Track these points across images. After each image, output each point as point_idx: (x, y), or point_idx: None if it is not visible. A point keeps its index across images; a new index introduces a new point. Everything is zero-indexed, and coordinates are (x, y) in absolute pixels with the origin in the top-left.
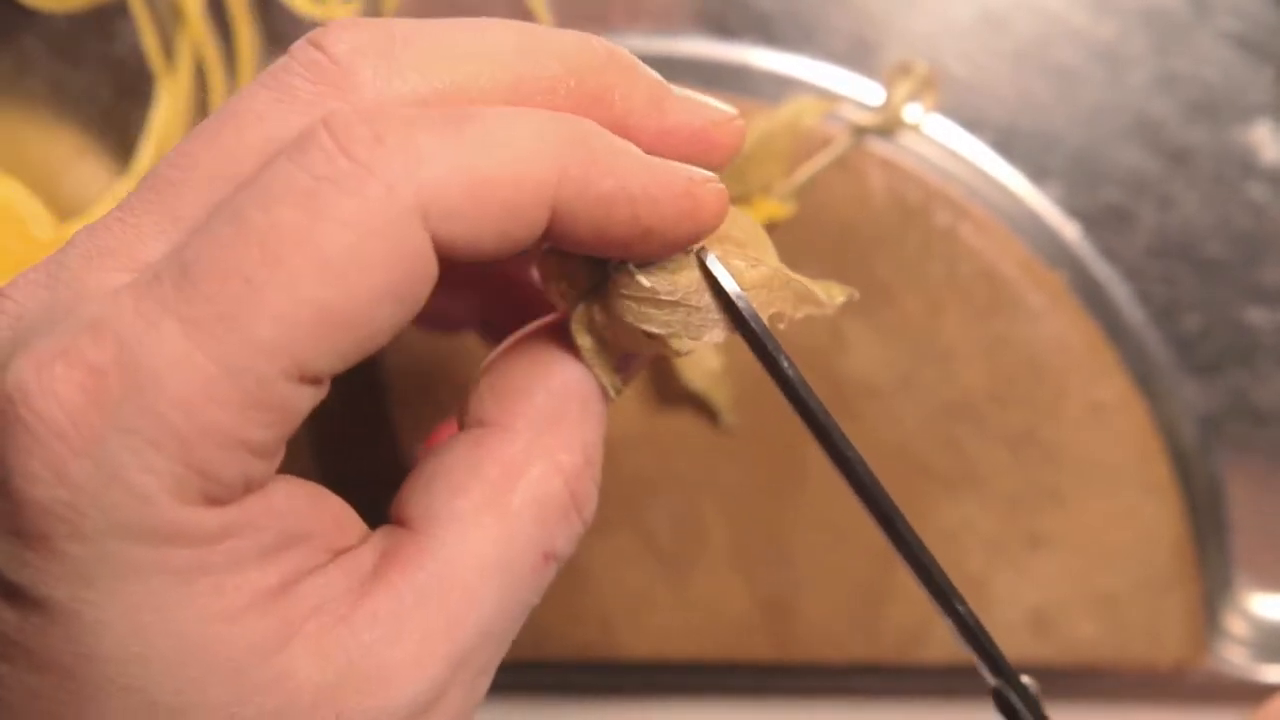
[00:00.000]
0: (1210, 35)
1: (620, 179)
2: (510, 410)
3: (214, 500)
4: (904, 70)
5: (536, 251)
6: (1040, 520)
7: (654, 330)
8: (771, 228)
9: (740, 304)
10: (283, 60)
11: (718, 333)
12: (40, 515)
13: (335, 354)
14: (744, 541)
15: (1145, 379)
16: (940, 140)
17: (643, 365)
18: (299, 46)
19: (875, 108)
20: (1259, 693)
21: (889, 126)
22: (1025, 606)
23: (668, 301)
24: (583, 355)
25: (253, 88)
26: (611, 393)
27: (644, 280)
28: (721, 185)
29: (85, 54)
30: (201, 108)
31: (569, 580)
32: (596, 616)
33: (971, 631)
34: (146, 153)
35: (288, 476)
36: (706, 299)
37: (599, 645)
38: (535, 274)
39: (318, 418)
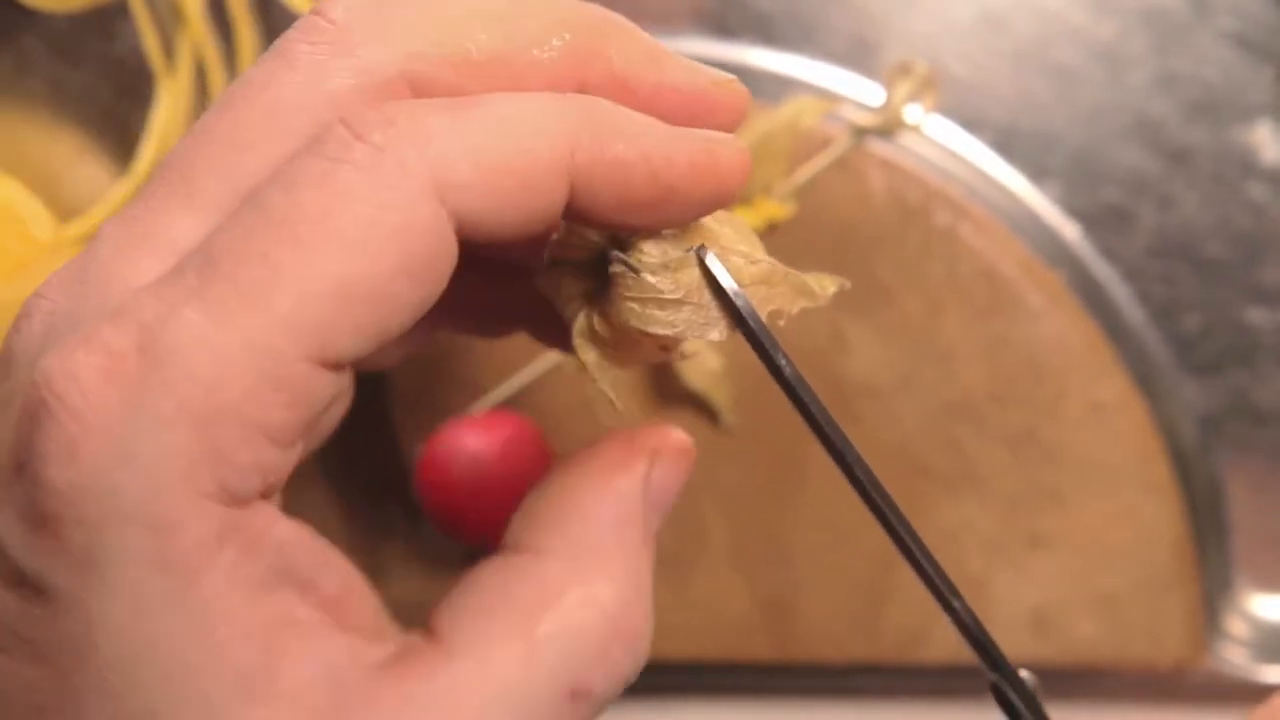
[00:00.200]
0: (1210, 35)
1: (633, 142)
2: (545, 536)
3: (226, 490)
4: (904, 70)
5: (542, 268)
6: (1040, 520)
7: (659, 331)
8: (771, 228)
9: (739, 301)
10: (287, 31)
11: (719, 330)
12: (51, 497)
13: (355, 332)
14: (744, 541)
15: (1145, 379)
16: (940, 140)
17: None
18: (302, 16)
19: (875, 108)
20: (1259, 693)
21: (889, 127)
22: (1025, 606)
23: (672, 300)
24: (588, 369)
25: (261, 59)
26: (617, 406)
27: (649, 278)
28: (741, 143)
29: (85, 54)
30: (202, 108)
31: None
32: None
33: (969, 627)
34: (147, 153)
35: (299, 522)
36: (703, 298)
37: None
38: (541, 287)
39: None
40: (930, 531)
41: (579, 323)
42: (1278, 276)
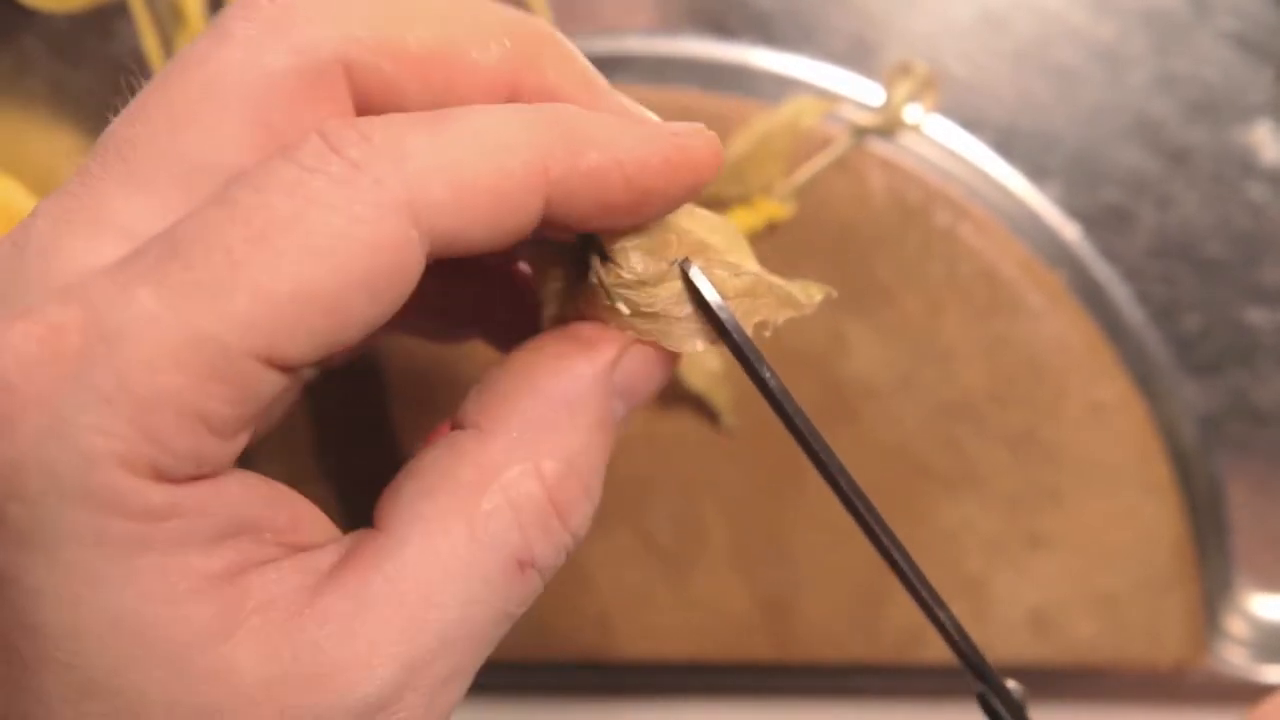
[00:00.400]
0: (1210, 35)
1: (604, 149)
2: (493, 414)
3: (162, 475)
4: (904, 70)
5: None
6: (1040, 520)
7: (639, 338)
8: (771, 228)
9: (722, 314)
10: (226, 7)
11: (697, 343)
12: None
13: (306, 339)
14: (744, 541)
15: (1145, 379)
16: (940, 140)
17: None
18: None
19: (875, 108)
20: (1259, 693)
21: (889, 127)
22: (1025, 606)
23: (647, 313)
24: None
25: (198, 38)
26: None
27: (629, 293)
28: (710, 133)
29: (85, 54)
30: None
31: (569, 580)
32: (596, 616)
33: (954, 638)
34: None
35: (246, 471)
36: (686, 309)
37: (599, 645)
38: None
39: (318, 418)
40: (930, 531)
41: (550, 311)
42: (1277, 276)
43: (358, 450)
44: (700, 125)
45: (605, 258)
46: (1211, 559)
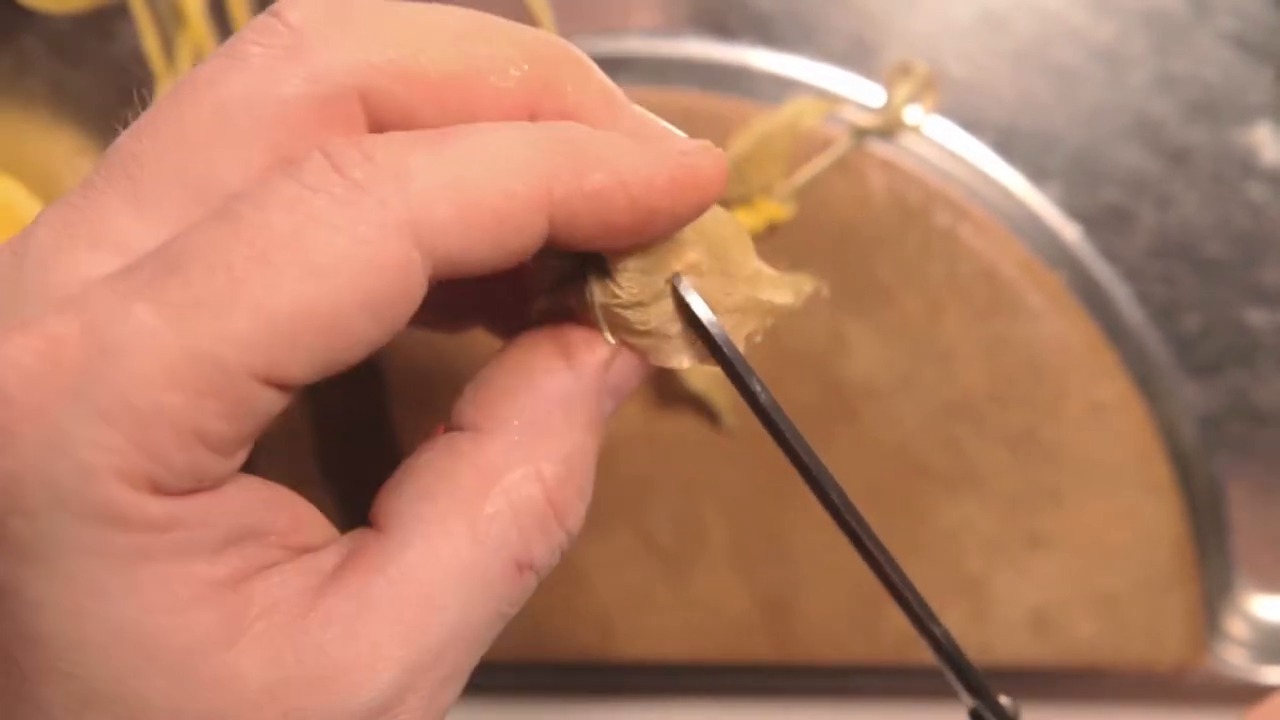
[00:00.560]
0: (1210, 36)
1: (610, 169)
2: (491, 415)
3: (161, 489)
4: (904, 71)
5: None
6: (1040, 520)
7: (629, 347)
8: (772, 229)
9: (714, 330)
10: (241, 29)
11: (684, 359)
12: None
13: (306, 359)
14: (744, 541)
15: (1145, 379)
16: (940, 141)
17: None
18: (257, 16)
19: (875, 109)
20: (1259, 695)
21: (889, 128)
22: (1025, 606)
23: (640, 331)
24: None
25: (211, 57)
26: None
27: (623, 312)
28: (717, 150)
29: (85, 55)
30: None
31: (569, 580)
32: (596, 616)
33: (947, 652)
34: None
35: (247, 475)
36: (677, 328)
37: (599, 646)
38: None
39: (319, 419)
40: (930, 531)
41: (541, 304)
42: (1277, 277)
43: (358, 450)
44: (707, 143)
45: (603, 274)
46: (1212, 559)
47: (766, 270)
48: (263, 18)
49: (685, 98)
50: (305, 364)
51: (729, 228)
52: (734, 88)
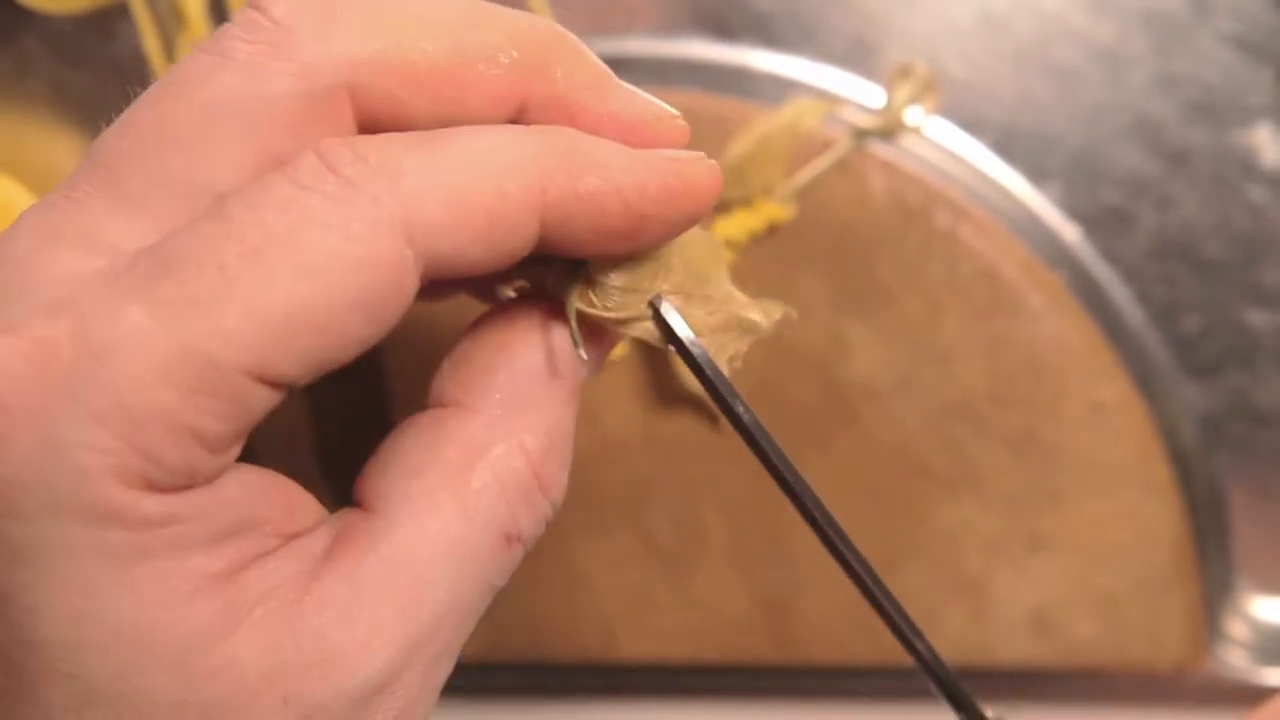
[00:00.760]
0: (1210, 36)
1: (604, 173)
2: (472, 390)
3: (156, 487)
4: (904, 73)
5: None
6: (1040, 520)
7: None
8: (772, 230)
9: (696, 351)
10: (225, 25)
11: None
12: None
13: (299, 357)
14: (744, 541)
15: (1145, 380)
16: (940, 142)
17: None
18: (241, 10)
19: (876, 110)
20: (1259, 696)
21: (889, 129)
22: (1025, 607)
23: (624, 334)
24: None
25: (194, 53)
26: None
27: (604, 314)
28: (711, 160)
29: (86, 55)
30: None
31: (569, 580)
32: (596, 617)
33: (932, 667)
34: None
35: (243, 465)
36: (652, 332)
37: (599, 646)
38: None
39: (318, 417)
40: (930, 531)
41: (517, 277)
42: (1277, 278)
43: (358, 449)
44: (700, 154)
45: (583, 281)
46: (1212, 560)
47: (738, 294)
48: (248, 13)
49: (686, 98)
50: (298, 361)
51: (708, 249)
52: (734, 88)
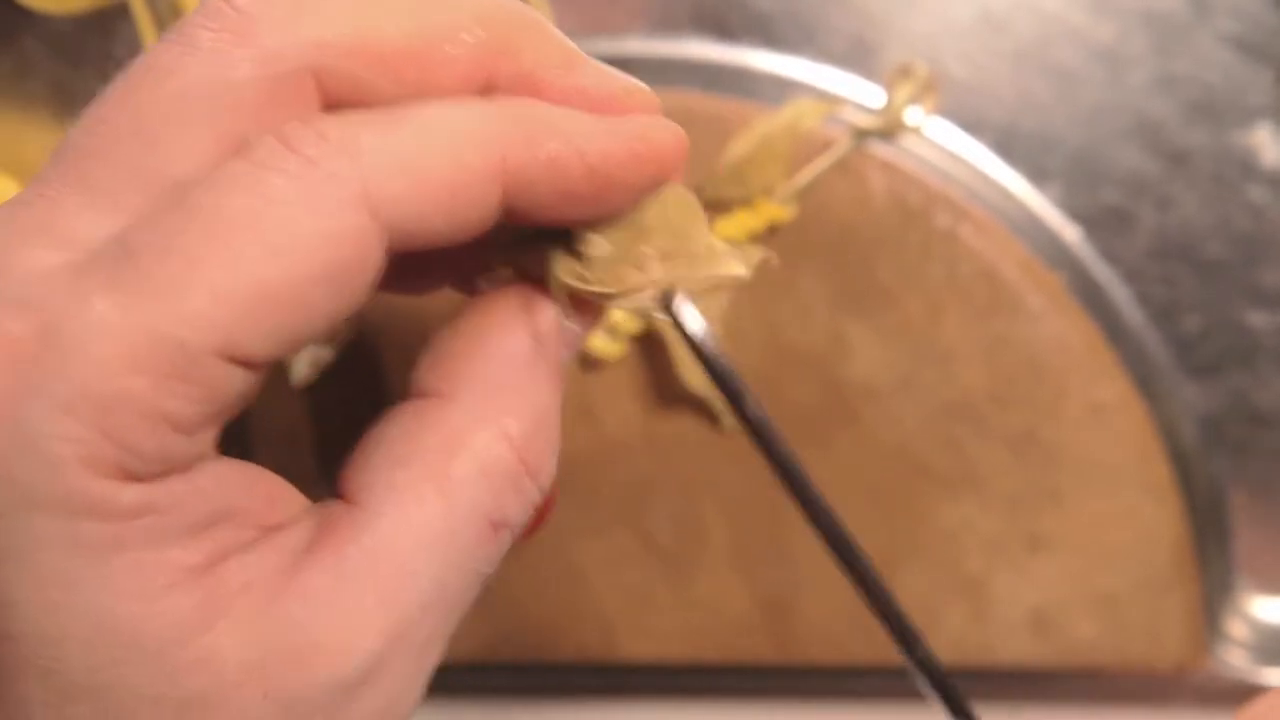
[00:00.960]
0: (1210, 37)
1: (564, 138)
2: (452, 379)
3: (131, 475)
4: (905, 73)
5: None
6: (1040, 520)
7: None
8: (772, 230)
9: (709, 347)
10: (188, 14)
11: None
12: None
13: (268, 335)
14: (744, 541)
15: (1145, 380)
16: (940, 142)
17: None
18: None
19: (876, 110)
20: (1259, 696)
21: (890, 129)
22: (1025, 607)
23: (607, 295)
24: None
25: (160, 44)
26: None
27: (593, 288)
28: (675, 125)
29: (86, 56)
30: None
31: (569, 580)
32: (596, 617)
33: (931, 673)
34: None
35: (221, 458)
36: (639, 305)
37: (599, 646)
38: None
39: (318, 418)
40: (930, 531)
41: (496, 267)
42: (1277, 278)
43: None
44: (664, 119)
45: (566, 250)
46: (1212, 560)
47: (718, 243)
48: (211, 1)
49: (686, 98)
50: (268, 340)
51: (686, 206)
52: (734, 88)
